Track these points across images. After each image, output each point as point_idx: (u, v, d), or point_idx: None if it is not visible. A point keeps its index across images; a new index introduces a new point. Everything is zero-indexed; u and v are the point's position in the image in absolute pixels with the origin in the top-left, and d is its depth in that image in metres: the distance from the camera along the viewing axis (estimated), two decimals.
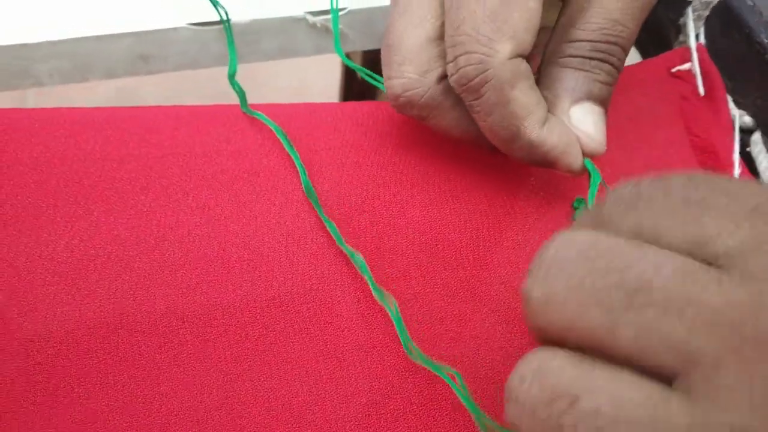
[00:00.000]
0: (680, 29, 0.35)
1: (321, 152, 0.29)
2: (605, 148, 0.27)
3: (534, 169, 0.29)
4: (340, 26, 0.35)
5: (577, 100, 0.27)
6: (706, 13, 0.34)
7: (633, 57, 0.39)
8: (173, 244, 0.26)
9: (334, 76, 0.70)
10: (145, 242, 0.26)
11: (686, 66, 0.33)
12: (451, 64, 0.25)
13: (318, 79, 0.99)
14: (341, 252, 0.26)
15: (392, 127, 0.30)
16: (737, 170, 0.30)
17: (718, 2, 0.33)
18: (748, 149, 0.31)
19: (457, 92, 0.26)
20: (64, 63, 0.33)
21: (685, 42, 0.34)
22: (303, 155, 0.28)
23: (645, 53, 0.39)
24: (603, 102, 0.27)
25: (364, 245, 0.27)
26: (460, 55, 0.25)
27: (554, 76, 0.27)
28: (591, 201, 0.27)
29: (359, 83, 0.65)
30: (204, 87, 0.78)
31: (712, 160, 0.30)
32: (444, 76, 0.27)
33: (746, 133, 0.32)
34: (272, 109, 0.30)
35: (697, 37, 0.34)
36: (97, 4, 0.33)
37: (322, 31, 0.35)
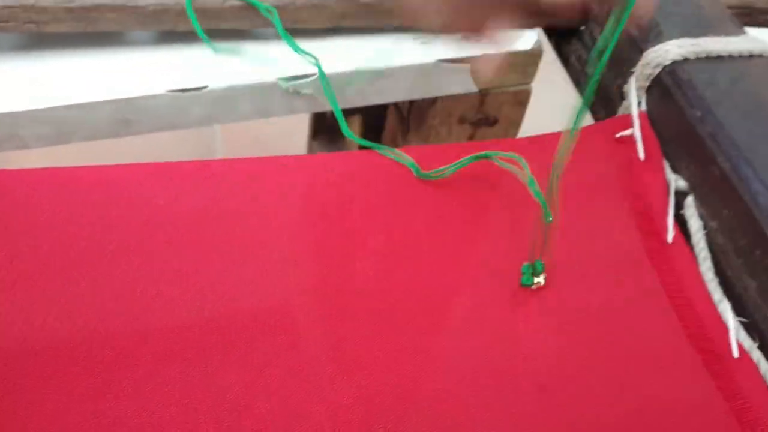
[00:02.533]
0: (624, 95, 0.38)
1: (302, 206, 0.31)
2: None
3: (486, 236, 0.32)
4: (309, 90, 0.37)
5: None
6: (647, 83, 0.37)
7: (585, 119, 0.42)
8: (156, 313, 0.28)
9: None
10: (130, 312, 0.28)
11: (629, 132, 0.36)
12: None
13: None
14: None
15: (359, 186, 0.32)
16: (671, 232, 0.33)
17: (658, 74, 0.36)
18: (682, 211, 0.34)
19: None
20: (48, 128, 0.35)
21: (629, 109, 0.37)
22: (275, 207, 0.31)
23: (595, 116, 0.42)
24: None
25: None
26: None
27: None
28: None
29: (329, 116, 0.68)
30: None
31: (648, 223, 0.33)
32: None
33: (681, 195, 0.35)
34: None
35: (639, 104, 0.37)
36: (80, 74, 0.35)
37: (294, 94, 0.37)
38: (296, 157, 0.33)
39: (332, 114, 0.65)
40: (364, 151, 0.34)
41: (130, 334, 0.27)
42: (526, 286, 0.31)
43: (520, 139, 0.37)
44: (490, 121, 0.44)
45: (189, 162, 0.32)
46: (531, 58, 0.41)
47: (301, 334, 0.28)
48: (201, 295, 0.29)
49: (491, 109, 0.43)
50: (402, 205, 0.32)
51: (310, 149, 0.70)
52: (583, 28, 0.42)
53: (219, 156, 0.97)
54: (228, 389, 0.26)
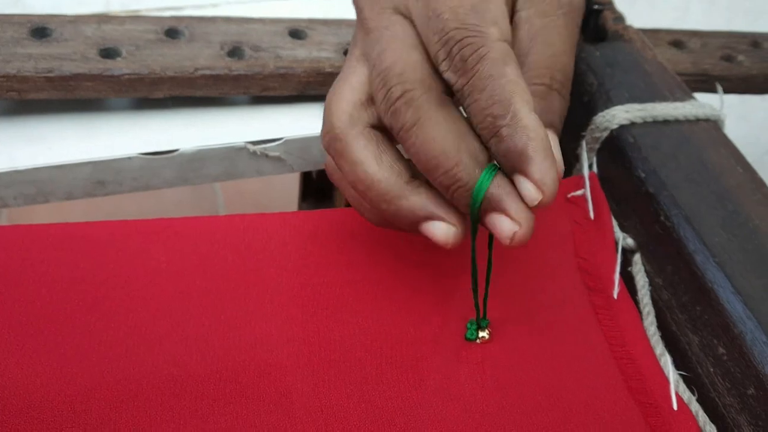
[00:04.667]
0: (578, 158, 0.40)
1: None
2: (552, 187, 0.28)
3: (435, 289, 0.33)
4: (276, 153, 0.39)
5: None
6: (597, 146, 0.38)
7: None
8: (112, 362, 0.29)
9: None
10: (87, 359, 0.29)
11: (580, 192, 0.38)
12: (445, 62, 0.28)
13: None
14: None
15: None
16: (617, 288, 0.34)
17: (606, 137, 0.38)
18: (629, 268, 0.36)
19: (453, 82, 0.28)
20: (27, 188, 0.37)
21: (581, 170, 0.39)
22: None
23: None
24: (557, 131, 0.32)
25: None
26: (454, 45, 0.28)
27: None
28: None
29: (316, 178, 0.70)
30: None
31: (594, 281, 0.35)
32: (440, 92, 0.29)
33: (629, 253, 0.36)
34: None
35: (590, 166, 0.38)
36: (59, 137, 0.37)
37: (262, 157, 0.40)
38: (257, 216, 0.35)
39: (319, 176, 0.67)
40: (322, 211, 0.36)
41: (117, 389, 0.28)
42: (470, 341, 0.32)
43: None
44: None
45: (178, 219, 0.34)
46: None
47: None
48: (192, 350, 0.30)
49: None
50: (355, 259, 0.34)
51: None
52: None
53: None
54: None
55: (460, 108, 0.30)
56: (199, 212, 0.99)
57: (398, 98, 0.28)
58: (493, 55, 0.28)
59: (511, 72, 0.28)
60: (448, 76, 0.28)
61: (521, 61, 0.32)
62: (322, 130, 0.31)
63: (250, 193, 1.10)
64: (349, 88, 0.31)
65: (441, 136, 0.28)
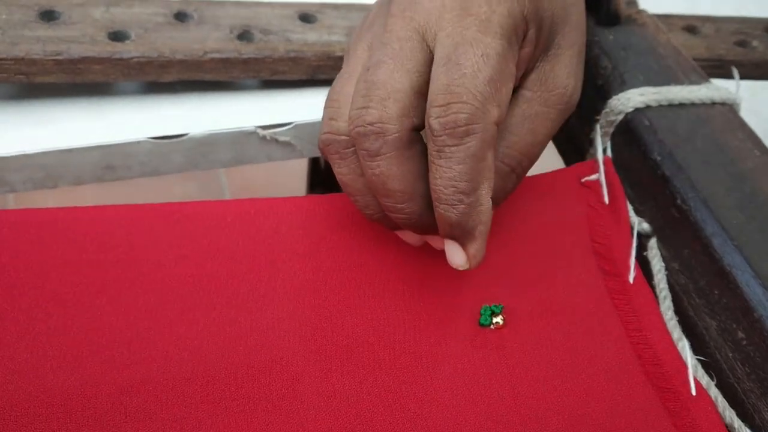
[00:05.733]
0: (592, 143, 0.39)
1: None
2: (480, 262, 0.29)
3: (442, 276, 0.33)
4: (286, 138, 0.39)
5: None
6: (612, 130, 0.38)
7: (556, 163, 0.44)
8: (122, 345, 0.29)
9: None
10: (97, 342, 0.29)
11: (594, 177, 0.37)
12: (440, 108, 0.27)
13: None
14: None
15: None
16: (632, 273, 0.34)
17: (621, 120, 0.38)
18: (645, 253, 0.35)
19: (435, 134, 0.28)
20: (36, 172, 0.36)
21: (595, 155, 0.38)
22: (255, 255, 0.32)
23: (567, 161, 0.43)
24: (498, 205, 0.32)
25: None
26: (455, 102, 0.27)
27: None
28: None
29: (324, 167, 0.70)
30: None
31: (610, 265, 0.34)
32: (413, 129, 0.29)
33: (645, 238, 0.36)
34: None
35: (604, 150, 0.38)
36: (67, 121, 0.37)
37: (272, 142, 0.39)
38: (267, 200, 0.35)
39: (327, 165, 0.67)
40: (333, 195, 0.35)
41: (127, 374, 0.28)
42: (484, 326, 0.31)
43: None
44: None
45: (188, 203, 0.34)
46: None
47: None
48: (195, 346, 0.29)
49: None
50: (366, 243, 0.33)
51: None
52: None
53: None
54: None
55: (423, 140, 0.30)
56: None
57: (371, 123, 0.28)
58: (483, 137, 0.28)
59: (490, 157, 0.28)
60: (434, 124, 0.28)
61: (503, 135, 0.32)
62: (356, 109, 0.29)
63: (257, 185, 1.11)
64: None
65: (401, 175, 0.29)
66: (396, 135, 0.28)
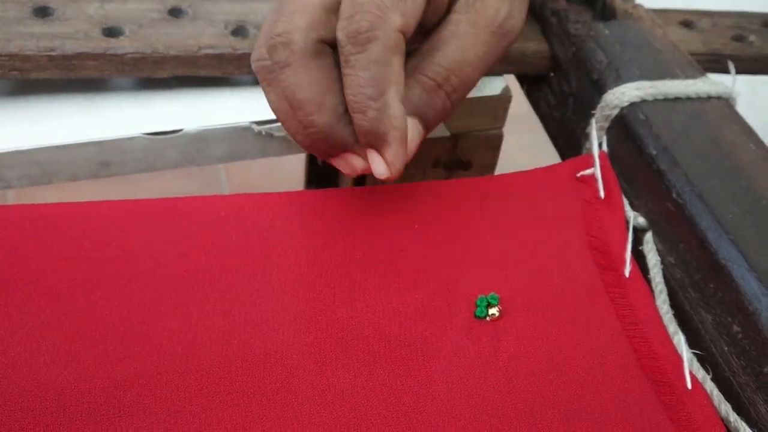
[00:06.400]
0: (588, 137, 0.39)
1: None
2: (400, 168, 0.31)
3: (437, 269, 0.33)
4: (281, 133, 0.39)
5: (412, 113, 0.32)
6: (607, 124, 0.38)
7: (553, 158, 0.43)
8: (115, 339, 0.29)
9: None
10: (90, 337, 0.29)
11: (590, 171, 0.37)
12: (345, 21, 0.30)
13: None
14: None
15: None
16: (628, 267, 0.34)
17: (617, 115, 0.37)
18: (640, 247, 0.35)
19: (341, 45, 0.30)
20: (31, 169, 0.36)
21: (590, 149, 0.38)
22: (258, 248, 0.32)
23: (563, 156, 0.43)
24: (428, 126, 0.33)
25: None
26: (358, 13, 0.29)
27: (407, 85, 0.32)
28: None
29: (321, 164, 0.69)
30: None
31: (606, 259, 0.34)
32: (321, 42, 0.31)
33: (641, 232, 0.35)
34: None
35: (600, 145, 0.38)
36: (62, 117, 0.37)
37: (267, 137, 0.39)
38: (262, 195, 0.34)
39: (324, 161, 0.67)
40: (328, 189, 0.35)
41: (120, 368, 0.28)
42: (480, 318, 0.31)
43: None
44: (464, 165, 0.45)
45: (183, 198, 0.34)
46: (500, 103, 0.42)
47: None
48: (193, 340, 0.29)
49: (464, 152, 0.44)
50: (361, 237, 0.33)
51: None
52: (551, 75, 0.43)
53: None
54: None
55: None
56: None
57: (278, 35, 0.30)
58: (385, 42, 0.30)
59: (396, 62, 0.30)
60: (340, 35, 0.30)
61: (429, 54, 0.33)
62: (268, 24, 0.31)
63: (257, 182, 1.11)
64: None
65: (308, 85, 0.30)
66: (301, 45, 0.30)
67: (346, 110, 0.31)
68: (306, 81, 0.30)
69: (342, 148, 0.32)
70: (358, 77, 0.30)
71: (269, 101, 0.32)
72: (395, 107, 0.30)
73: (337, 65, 0.31)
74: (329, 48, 0.31)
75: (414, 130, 0.32)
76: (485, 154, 0.45)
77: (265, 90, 0.32)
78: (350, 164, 0.32)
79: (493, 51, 0.34)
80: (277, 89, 0.31)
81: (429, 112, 0.32)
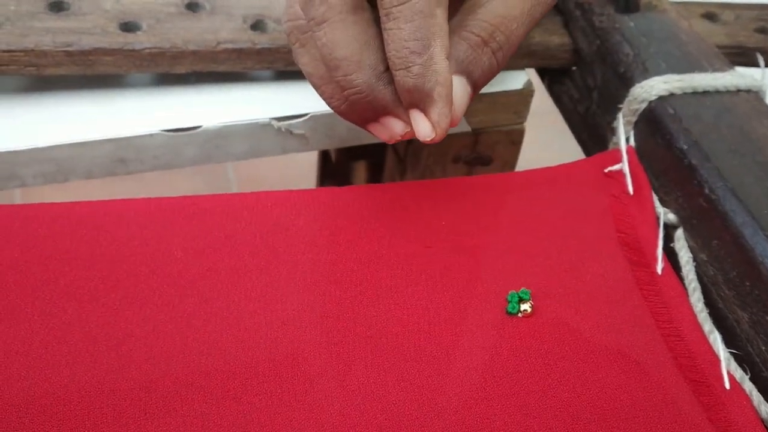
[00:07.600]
0: (614, 132, 0.38)
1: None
2: (446, 129, 0.30)
3: (464, 265, 0.32)
4: (301, 130, 0.38)
5: (458, 72, 0.30)
6: (635, 118, 0.37)
7: (573, 153, 0.43)
8: (138, 340, 0.28)
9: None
10: (113, 337, 0.28)
11: (618, 166, 0.36)
12: None
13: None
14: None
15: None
16: (660, 264, 0.33)
17: (645, 109, 0.37)
18: (672, 244, 0.34)
19: None
20: (47, 166, 0.36)
21: (618, 144, 0.37)
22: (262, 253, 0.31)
23: (587, 151, 0.42)
24: (476, 85, 0.31)
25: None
26: None
27: (451, 43, 0.30)
28: None
29: (335, 161, 0.69)
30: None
31: (637, 255, 0.33)
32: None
33: (671, 229, 0.35)
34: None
35: (627, 140, 0.37)
36: (78, 114, 0.36)
37: (286, 134, 0.38)
38: (283, 192, 0.34)
39: (338, 158, 0.66)
40: (349, 187, 0.34)
41: (145, 369, 0.27)
42: (512, 315, 0.30)
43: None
44: (485, 161, 0.44)
45: (204, 196, 0.33)
46: (522, 98, 0.41)
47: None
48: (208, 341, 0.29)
49: (485, 148, 0.43)
50: (385, 234, 0.33)
51: None
52: (574, 68, 0.43)
53: None
54: None
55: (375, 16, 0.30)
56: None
57: None
58: None
59: (440, 14, 0.28)
60: None
61: (472, 10, 0.31)
62: None
63: (265, 179, 1.10)
64: None
65: (346, 42, 0.29)
66: None
67: (386, 69, 0.29)
68: (344, 38, 0.29)
69: (382, 111, 0.30)
70: (401, 30, 0.28)
71: (302, 65, 0.31)
72: (441, 62, 0.28)
73: (375, 22, 0.29)
74: (367, 3, 0.30)
75: (460, 89, 0.30)
76: (506, 150, 0.44)
77: (297, 53, 0.31)
78: (390, 128, 0.31)
79: (537, 7, 0.32)
80: (311, 49, 0.30)
81: (476, 70, 0.31)
